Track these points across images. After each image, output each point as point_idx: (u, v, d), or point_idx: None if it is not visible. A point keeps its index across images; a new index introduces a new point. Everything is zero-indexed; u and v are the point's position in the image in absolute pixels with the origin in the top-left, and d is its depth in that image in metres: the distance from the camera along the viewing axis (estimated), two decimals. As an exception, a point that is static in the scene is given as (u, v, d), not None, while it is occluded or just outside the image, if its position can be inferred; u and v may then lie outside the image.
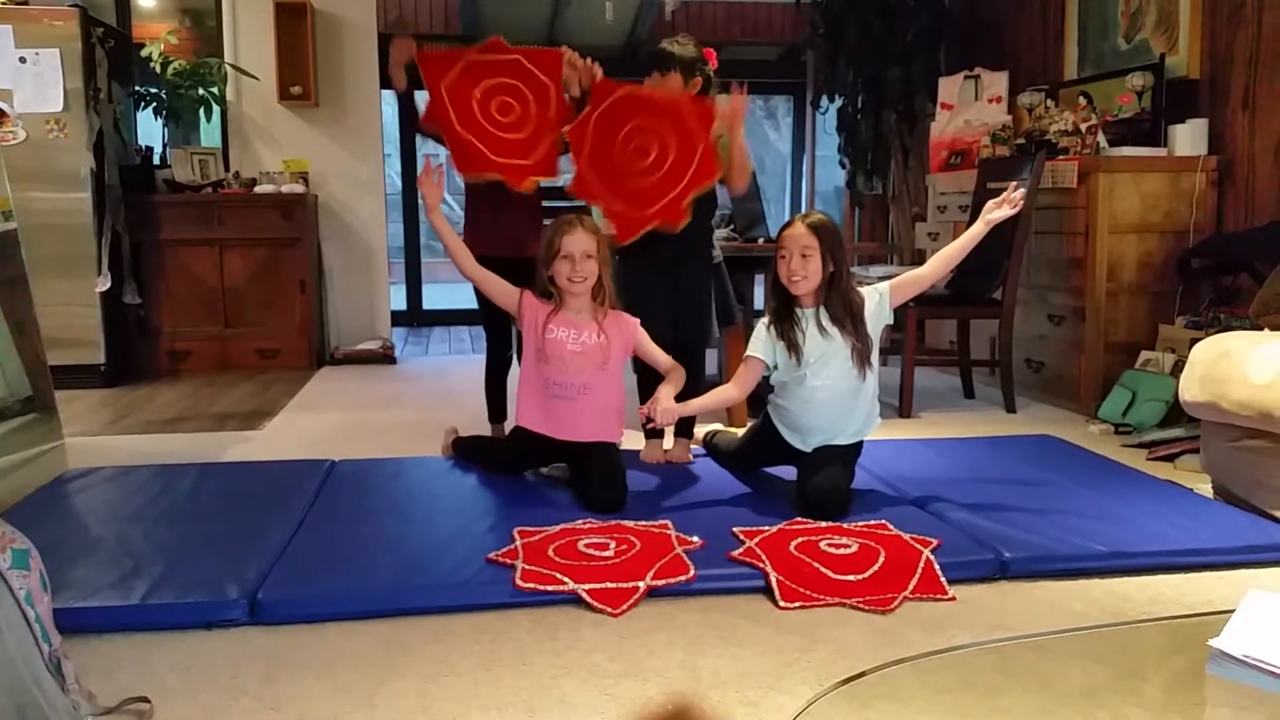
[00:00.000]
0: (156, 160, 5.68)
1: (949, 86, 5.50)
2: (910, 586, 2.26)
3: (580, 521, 2.63)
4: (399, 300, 7.28)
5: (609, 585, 2.23)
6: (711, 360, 4.72)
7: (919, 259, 5.97)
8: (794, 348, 2.82)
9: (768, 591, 2.25)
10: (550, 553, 2.39)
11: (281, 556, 2.39)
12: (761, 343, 2.87)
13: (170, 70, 5.49)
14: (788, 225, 2.85)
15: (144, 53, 5.51)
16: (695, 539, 2.49)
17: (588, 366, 2.92)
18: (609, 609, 2.16)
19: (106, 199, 5.02)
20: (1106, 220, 4.06)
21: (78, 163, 4.88)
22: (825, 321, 2.82)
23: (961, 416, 4.21)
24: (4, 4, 4.83)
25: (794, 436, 2.88)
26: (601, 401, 2.95)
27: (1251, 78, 3.95)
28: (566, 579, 2.24)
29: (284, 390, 4.93)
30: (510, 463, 3.15)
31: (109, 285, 4.98)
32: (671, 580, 2.27)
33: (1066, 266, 4.27)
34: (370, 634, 2.08)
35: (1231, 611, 1.52)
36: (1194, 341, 3.07)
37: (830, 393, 2.82)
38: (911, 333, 4.27)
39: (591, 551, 2.41)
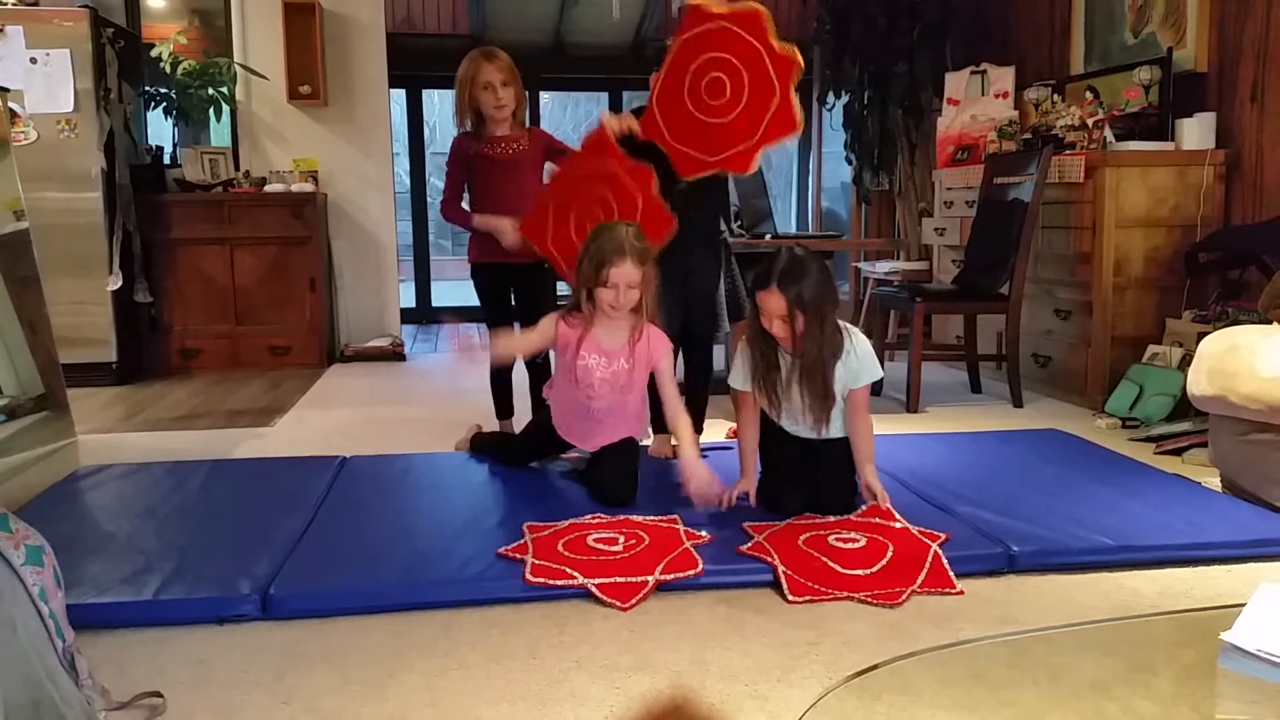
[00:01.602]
0: (167, 160, 5.72)
1: (955, 82, 5.49)
2: (918, 581, 2.26)
3: (589, 516, 2.64)
4: (408, 298, 7.31)
5: (618, 580, 2.24)
6: (719, 356, 4.73)
7: (925, 254, 5.98)
8: (774, 404, 2.73)
9: (776, 586, 2.26)
10: (560, 547, 2.41)
11: (293, 552, 2.40)
12: (742, 377, 2.77)
13: (180, 70, 5.52)
14: (762, 286, 2.61)
15: (154, 53, 5.54)
16: (704, 534, 2.50)
17: (613, 391, 2.91)
18: (618, 603, 2.17)
19: (117, 198, 5.05)
20: (1113, 215, 4.06)
21: (89, 163, 4.91)
22: (800, 370, 2.69)
23: (968, 411, 4.22)
24: (14, 5, 4.86)
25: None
26: (627, 413, 2.97)
27: (1260, 70, 3.94)
28: (576, 574, 2.26)
29: (295, 387, 4.96)
30: (527, 454, 3.19)
31: (120, 284, 5.00)
32: (680, 575, 2.28)
33: (1073, 261, 4.27)
34: (381, 628, 2.10)
35: (1241, 605, 1.52)
36: (1201, 335, 3.07)
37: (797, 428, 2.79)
38: (918, 328, 4.28)
39: (601, 546, 2.42)
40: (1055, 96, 4.85)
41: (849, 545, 2.42)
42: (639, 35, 7.75)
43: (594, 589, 2.21)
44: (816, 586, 2.24)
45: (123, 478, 3.13)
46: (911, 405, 4.18)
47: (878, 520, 2.59)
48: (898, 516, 2.59)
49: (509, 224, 3.25)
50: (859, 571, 2.29)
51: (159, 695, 1.78)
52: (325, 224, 5.85)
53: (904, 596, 2.21)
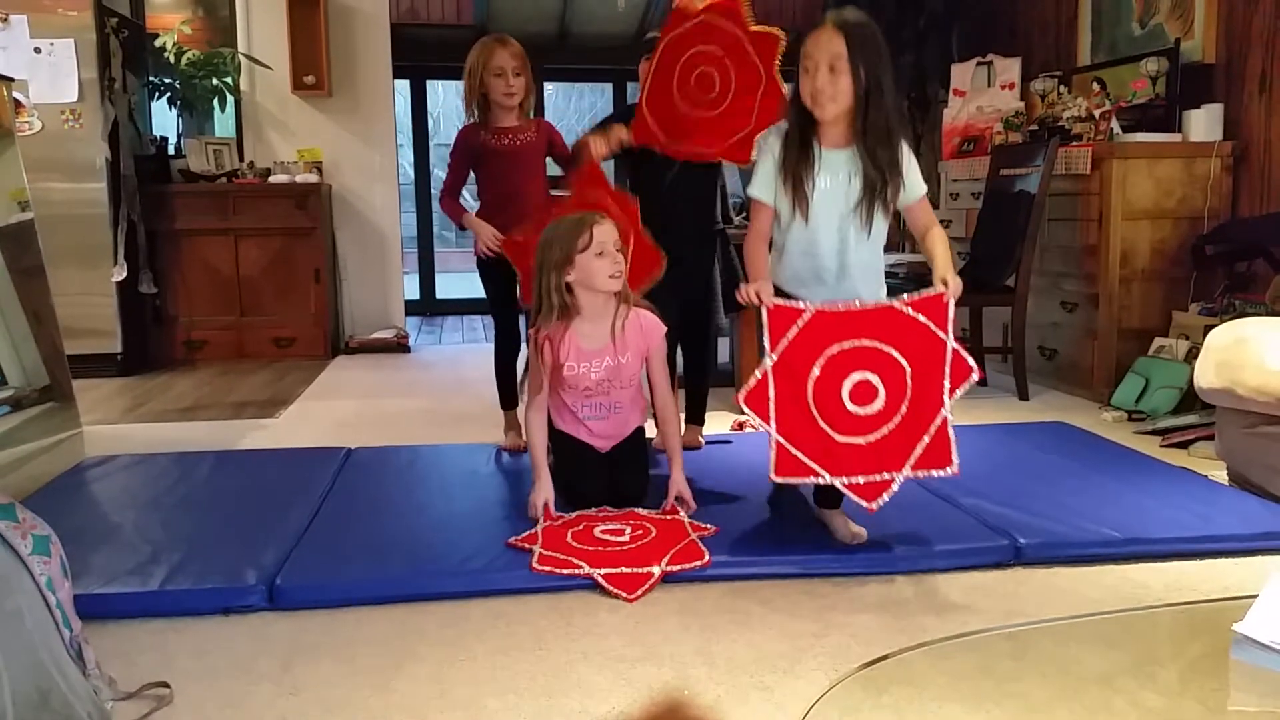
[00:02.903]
0: (171, 150, 5.72)
1: (961, 73, 5.47)
2: (908, 466, 2.25)
3: (595, 510, 2.64)
4: (412, 289, 7.31)
5: (624, 570, 2.24)
6: (722, 350, 4.72)
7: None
8: (801, 198, 2.35)
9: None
10: (569, 538, 2.41)
11: (299, 543, 2.41)
12: (765, 178, 2.43)
13: (184, 60, 5.51)
14: (815, 29, 2.32)
15: (158, 43, 5.54)
16: (709, 526, 2.50)
17: (614, 388, 2.70)
18: (624, 594, 2.17)
19: (122, 189, 5.05)
20: (1120, 207, 4.04)
21: (93, 153, 4.91)
22: (850, 164, 2.36)
23: (974, 404, 4.20)
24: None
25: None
26: (631, 404, 2.80)
27: (1268, 61, 3.92)
28: (582, 563, 2.26)
29: (300, 379, 4.96)
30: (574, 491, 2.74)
31: (125, 275, 5.01)
32: (686, 566, 2.28)
33: (1080, 253, 4.25)
34: (387, 619, 2.10)
35: (1249, 597, 1.51)
36: (1208, 328, 3.06)
37: (814, 249, 2.40)
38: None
39: (608, 537, 2.42)
40: (1062, 88, 4.83)
41: (863, 409, 2.28)
42: (644, 25, 7.72)
43: (600, 579, 2.21)
44: (805, 462, 2.24)
45: (128, 468, 3.13)
46: (917, 397, 4.17)
47: (922, 318, 2.28)
48: (949, 315, 2.28)
49: (490, 231, 3.23)
50: (857, 439, 2.25)
51: (166, 685, 1.78)
52: (330, 215, 5.84)
53: (883, 497, 2.24)
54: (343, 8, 5.86)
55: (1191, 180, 4.07)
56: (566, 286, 2.60)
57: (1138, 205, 4.06)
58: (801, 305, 2.30)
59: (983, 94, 5.34)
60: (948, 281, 2.29)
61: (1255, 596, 1.50)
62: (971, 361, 2.29)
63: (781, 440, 2.27)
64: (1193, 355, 3.57)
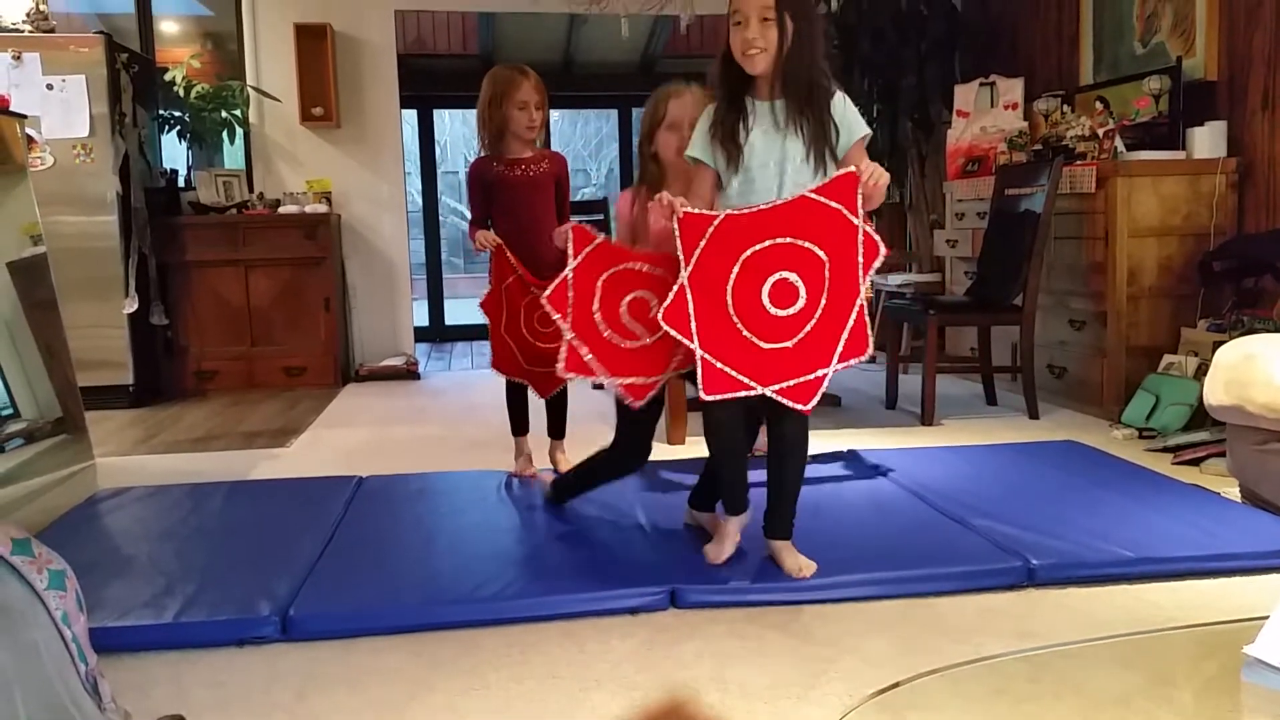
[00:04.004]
0: (181, 183, 5.77)
1: (964, 94, 5.50)
2: (835, 359, 2.20)
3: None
4: (421, 316, 7.34)
5: (638, 380, 2.39)
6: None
7: (938, 266, 5.97)
8: (732, 148, 2.30)
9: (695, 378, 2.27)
10: (596, 313, 2.42)
11: (312, 573, 2.41)
12: (701, 139, 2.36)
13: (193, 94, 5.57)
14: None
15: (167, 77, 5.60)
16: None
17: None
18: (633, 399, 2.39)
19: (133, 222, 5.09)
20: (1126, 224, 4.05)
21: (104, 187, 4.95)
22: (780, 115, 2.30)
23: (984, 424, 4.20)
24: (31, 32, 4.91)
25: None
26: None
27: (1271, 78, 3.93)
28: (604, 369, 2.40)
29: (310, 407, 4.98)
30: (626, 455, 2.71)
31: (136, 307, 5.04)
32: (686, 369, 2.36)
33: (1086, 271, 4.26)
34: (401, 648, 2.10)
35: (1263, 617, 1.51)
36: (1217, 344, 3.06)
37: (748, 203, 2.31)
38: (932, 341, 4.28)
39: (629, 322, 2.43)
40: (1065, 107, 4.85)
41: (785, 312, 2.22)
42: (647, 53, 7.79)
43: (618, 387, 2.40)
44: (735, 377, 2.20)
45: (141, 500, 3.15)
46: (927, 418, 4.18)
47: (834, 204, 2.22)
48: (858, 194, 2.22)
49: (490, 234, 3.20)
50: (784, 344, 2.21)
51: (181, 718, 1.78)
52: (339, 244, 5.88)
53: (815, 396, 2.22)
54: (350, 40, 5.92)
55: (1197, 197, 4.08)
56: (654, 156, 2.57)
57: (1143, 223, 4.07)
58: (713, 213, 2.25)
59: (986, 114, 5.36)
60: (861, 167, 2.22)
61: (1267, 617, 1.50)
62: (878, 239, 2.23)
63: (707, 357, 2.21)
64: (1202, 372, 3.57)
